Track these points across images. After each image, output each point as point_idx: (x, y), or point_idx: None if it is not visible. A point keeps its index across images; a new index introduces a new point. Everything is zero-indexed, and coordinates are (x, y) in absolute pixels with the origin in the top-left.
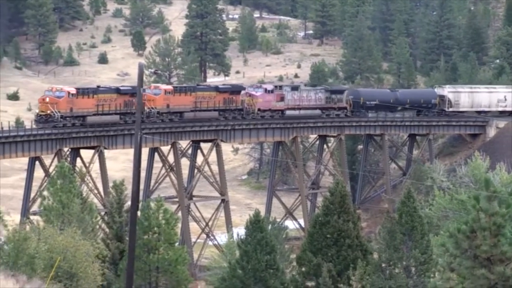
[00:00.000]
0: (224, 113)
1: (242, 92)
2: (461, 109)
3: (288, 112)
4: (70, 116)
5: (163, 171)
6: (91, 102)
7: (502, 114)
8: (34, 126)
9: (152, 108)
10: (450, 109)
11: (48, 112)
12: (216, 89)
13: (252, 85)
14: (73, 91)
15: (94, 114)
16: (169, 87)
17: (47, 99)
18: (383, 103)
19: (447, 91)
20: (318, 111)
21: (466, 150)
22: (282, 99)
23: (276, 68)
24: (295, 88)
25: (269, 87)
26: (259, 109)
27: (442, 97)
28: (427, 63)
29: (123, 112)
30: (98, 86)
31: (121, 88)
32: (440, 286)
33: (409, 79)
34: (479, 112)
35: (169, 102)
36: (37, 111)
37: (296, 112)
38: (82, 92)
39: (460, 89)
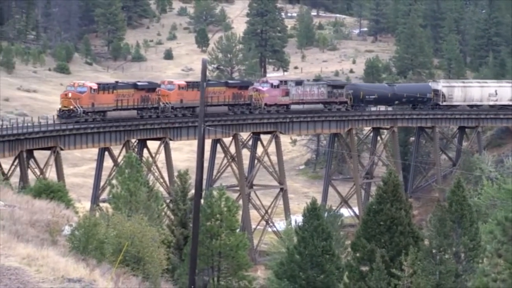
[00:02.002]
0: (233, 108)
1: (250, 87)
2: (454, 103)
3: (292, 107)
4: (92, 111)
5: (225, 161)
6: (111, 97)
7: (493, 108)
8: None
9: (167, 103)
10: (444, 103)
11: (71, 107)
12: (226, 84)
13: (258, 80)
14: (95, 86)
15: (113, 109)
16: (183, 82)
17: (70, 95)
18: (381, 97)
19: (441, 85)
20: (320, 105)
21: None
22: (287, 94)
23: (332, 63)
24: (299, 83)
25: (275, 82)
26: (265, 104)
27: (436, 91)
28: (476, 59)
29: (140, 107)
30: (117, 82)
31: (138, 83)
32: (488, 271)
33: (459, 74)
34: (471, 106)
35: (183, 97)
36: (59, 106)
37: (300, 107)
38: (103, 87)
39: (453, 83)
